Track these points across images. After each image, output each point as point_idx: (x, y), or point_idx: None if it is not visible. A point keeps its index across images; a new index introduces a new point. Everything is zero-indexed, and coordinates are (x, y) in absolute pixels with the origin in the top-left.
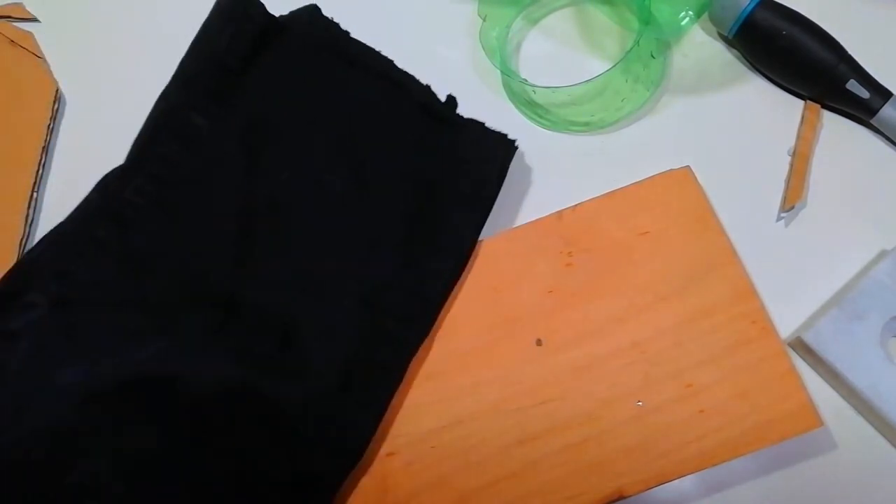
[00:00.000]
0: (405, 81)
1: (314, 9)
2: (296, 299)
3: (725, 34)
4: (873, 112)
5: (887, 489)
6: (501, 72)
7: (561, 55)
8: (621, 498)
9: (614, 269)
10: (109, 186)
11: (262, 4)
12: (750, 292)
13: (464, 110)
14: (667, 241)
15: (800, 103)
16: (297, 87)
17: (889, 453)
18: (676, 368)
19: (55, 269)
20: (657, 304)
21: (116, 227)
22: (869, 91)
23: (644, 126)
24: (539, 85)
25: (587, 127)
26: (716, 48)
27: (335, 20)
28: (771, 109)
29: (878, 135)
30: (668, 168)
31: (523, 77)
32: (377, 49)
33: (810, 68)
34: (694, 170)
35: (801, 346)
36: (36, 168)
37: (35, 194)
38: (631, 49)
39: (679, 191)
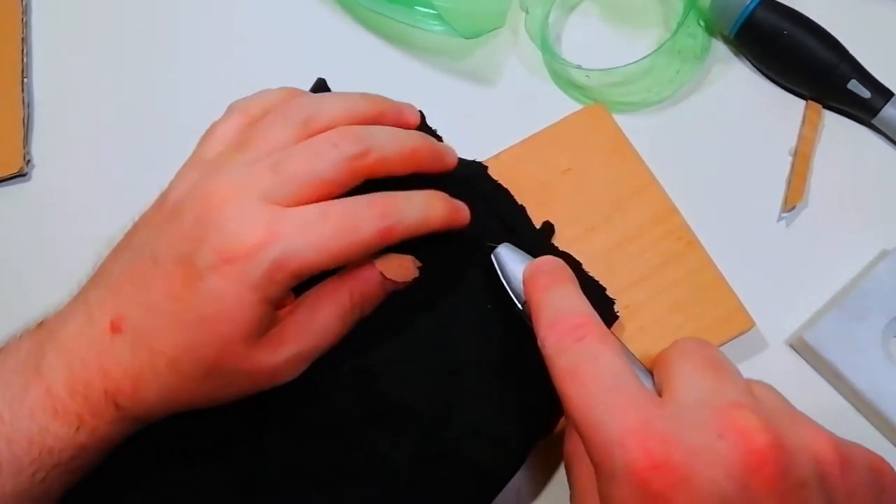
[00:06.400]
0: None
1: None
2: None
3: (726, 34)
4: (874, 112)
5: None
6: (552, 59)
7: (603, 37)
8: None
9: (542, 208)
10: None
11: None
12: (672, 211)
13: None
14: (588, 175)
15: (801, 103)
16: None
17: (891, 453)
18: (612, 292)
19: None
20: (586, 235)
21: None
22: (870, 91)
23: (646, 123)
24: (592, 68)
25: (633, 106)
26: (716, 48)
27: None
28: (772, 109)
29: (879, 135)
30: (673, 165)
31: (573, 62)
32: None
33: (811, 68)
34: (695, 169)
35: (802, 346)
36: (20, 57)
37: (25, 79)
38: (681, 22)
39: (594, 126)
